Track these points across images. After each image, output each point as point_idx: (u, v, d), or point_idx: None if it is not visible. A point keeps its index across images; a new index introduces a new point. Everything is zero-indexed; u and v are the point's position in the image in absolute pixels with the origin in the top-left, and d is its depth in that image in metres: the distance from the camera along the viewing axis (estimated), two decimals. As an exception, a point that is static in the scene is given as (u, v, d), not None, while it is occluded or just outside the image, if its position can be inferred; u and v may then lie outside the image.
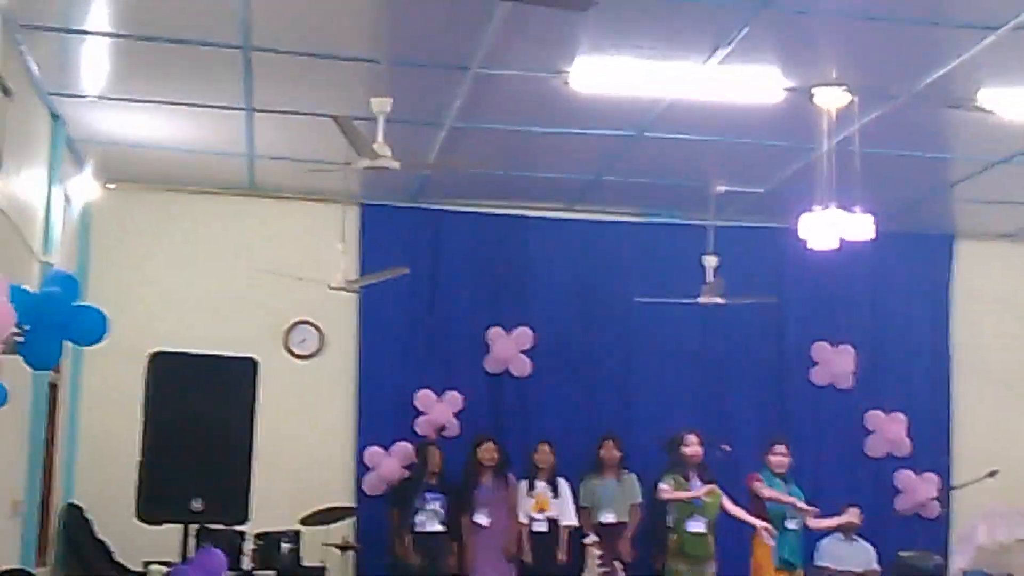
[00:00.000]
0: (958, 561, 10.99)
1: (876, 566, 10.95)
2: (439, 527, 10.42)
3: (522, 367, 11.49)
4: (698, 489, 10.00)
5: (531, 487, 10.64)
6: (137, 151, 10.07)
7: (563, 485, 10.70)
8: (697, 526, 10.00)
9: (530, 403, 11.52)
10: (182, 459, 6.94)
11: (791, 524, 10.01)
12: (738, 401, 11.83)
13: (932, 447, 12.00)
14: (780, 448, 10.21)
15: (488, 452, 10.66)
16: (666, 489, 10.02)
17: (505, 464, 10.73)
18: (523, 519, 10.55)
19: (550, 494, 10.61)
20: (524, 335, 11.50)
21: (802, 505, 10.11)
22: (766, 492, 9.96)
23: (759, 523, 9.86)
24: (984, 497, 11.03)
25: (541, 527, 10.55)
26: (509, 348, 11.47)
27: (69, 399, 10.40)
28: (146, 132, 9.57)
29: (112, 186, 10.62)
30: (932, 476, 11.88)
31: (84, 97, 8.76)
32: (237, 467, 7.10)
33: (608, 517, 10.64)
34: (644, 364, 11.72)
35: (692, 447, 10.26)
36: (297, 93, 8.57)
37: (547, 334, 11.55)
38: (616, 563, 10.04)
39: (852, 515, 10.66)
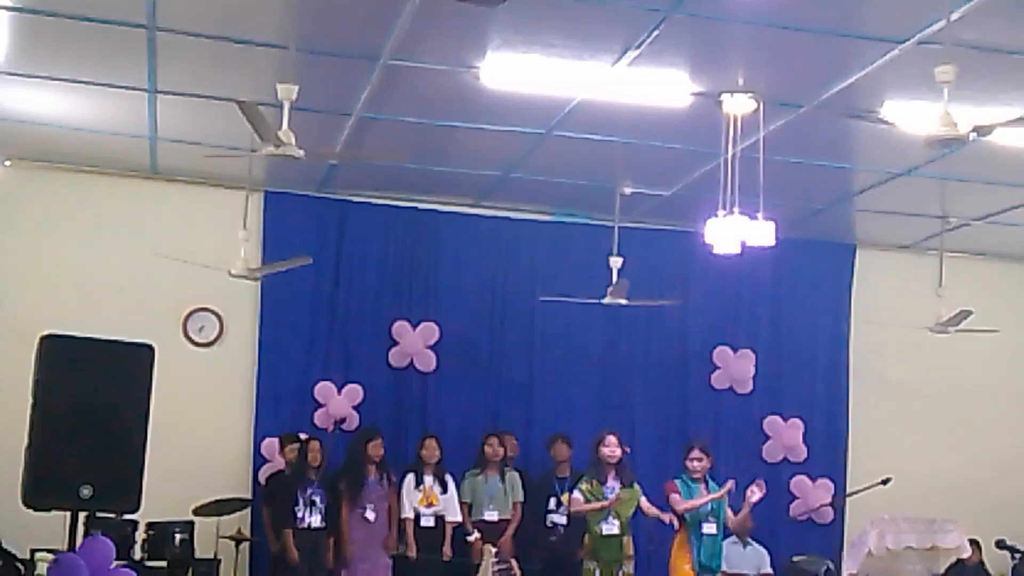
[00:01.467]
0: (849, 566, 11.13)
1: (768, 569, 11.07)
2: (320, 522, 10.21)
3: (427, 362, 11.43)
4: (610, 499, 9.82)
5: (419, 481, 10.55)
6: (36, 129, 9.83)
7: (451, 481, 10.63)
8: (610, 528, 9.86)
9: (431, 398, 11.48)
10: (72, 445, 6.74)
11: (708, 528, 9.85)
12: (639, 402, 11.90)
13: (828, 454, 12.20)
14: (696, 452, 9.86)
15: (376, 448, 10.48)
16: (577, 500, 9.83)
17: (387, 461, 10.58)
18: (409, 513, 10.44)
19: (438, 489, 10.55)
20: (430, 330, 11.45)
21: (721, 492, 9.75)
22: (681, 506, 9.70)
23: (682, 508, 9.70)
24: (877, 504, 11.20)
25: (428, 522, 10.47)
26: (416, 343, 11.41)
27: (-44, 380, 10.14)
28: (46, 110, 9.34)
29: (8, 163, 10.38)
30: (827, 482, 12.06)
31: (-19, 71, 8.54)
32: (129, 455, 6.93)
33: (492, 515, 10.64)
34: (547, 363, 11.74)
35: (610, 447, 9.84)
36: (202, 76, 8.42)
37: (452, 330, 11.52)
38: (513, 560, 10.02)
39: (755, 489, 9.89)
